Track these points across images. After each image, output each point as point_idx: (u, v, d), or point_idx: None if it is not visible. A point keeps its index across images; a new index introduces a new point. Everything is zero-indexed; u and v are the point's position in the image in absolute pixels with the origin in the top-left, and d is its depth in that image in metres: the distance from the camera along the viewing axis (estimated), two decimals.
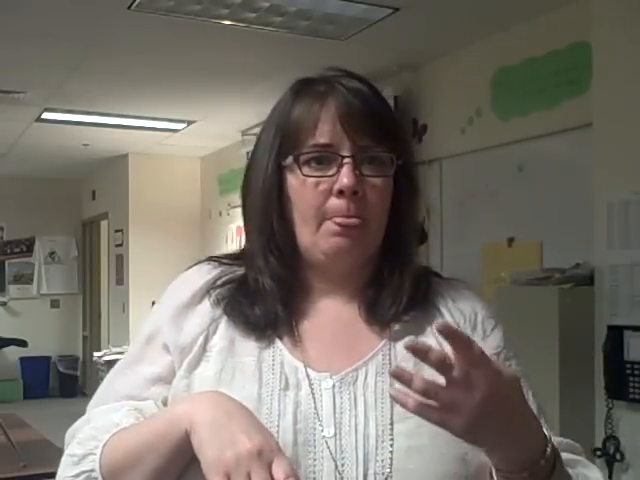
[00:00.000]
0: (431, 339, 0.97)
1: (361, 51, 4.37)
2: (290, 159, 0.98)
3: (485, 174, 4.21)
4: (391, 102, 4.66)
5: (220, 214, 7.49)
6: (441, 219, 4.54)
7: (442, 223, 4.53)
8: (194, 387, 0.96)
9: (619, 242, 3.00)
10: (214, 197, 7.69)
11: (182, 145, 7.34)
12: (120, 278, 8.22)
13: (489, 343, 1.00)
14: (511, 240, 4.00)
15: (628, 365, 2.92)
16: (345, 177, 0.94)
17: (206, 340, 0.98)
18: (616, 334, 2.95)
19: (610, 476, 2.98)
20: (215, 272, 1.03)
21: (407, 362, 0.95)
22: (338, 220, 0.95)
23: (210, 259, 1.07)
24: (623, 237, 2.99)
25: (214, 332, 0.98)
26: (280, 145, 0.99)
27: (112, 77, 4.97)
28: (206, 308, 1.00)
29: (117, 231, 8.31)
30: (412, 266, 1.02)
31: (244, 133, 6.40)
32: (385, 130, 0.98)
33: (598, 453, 2.98)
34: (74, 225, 9.76)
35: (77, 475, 0.92)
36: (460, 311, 1.03)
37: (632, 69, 3.00)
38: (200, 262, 1.07)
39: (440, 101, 4.56)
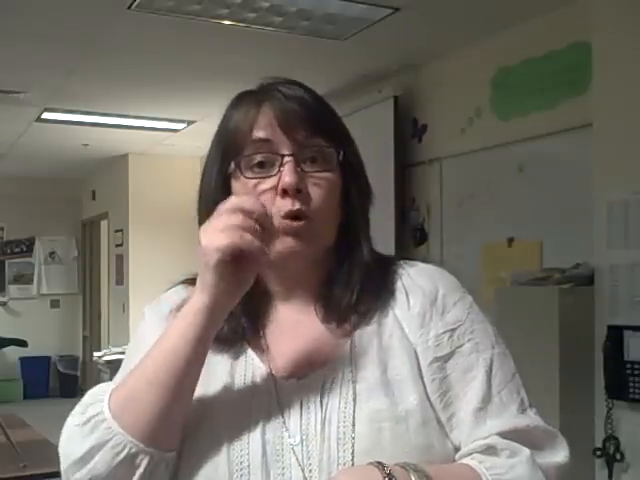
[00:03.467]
0: (391, 321, 0.99)
1: (361, 51, 4.37)
2: (232, 165, 0.99)
3: (485, 174, 4.22)
4: (391, 102, 4.66)
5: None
6: (441, 219, 4.54)
7: (442, 223, 4.53)
8: None
9: (619, 242, 3.00)
10: None
11: (182, 145, 7.34)
12: (120, 278, 8.22)
13: (447, 319, 0.98)
14: (511, 240, 4.00)
15: (628, 365, 2.92)
16: (286, 175, 0.94)
17: None
18: (616, 334, 2.95)
19: (610, 476, 2.98)
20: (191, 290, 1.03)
21: (371, 356, 0.96)
22: (287, 222, 0.95)
23: (185, 281, 1.08)
24: (623, 237, 2.99)
25: None
26: (222, 155, 1.01)
27: (112, 77, 4.97)
28: None
29: (117, 231, 8.31)
30: (362, 259, 1.02)
31: None
32: (324, 127, 0.99)
33: (598, 453, 2.98)
34: (74, 225, 9.76)
35: (86, 421, 0.92)
36: (419, 287, 1.01)
37: (632, 69, 3.00)
38: (177, 284, 1.09)
39: (440, 101, 4.56)
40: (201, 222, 1.03)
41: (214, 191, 1.01)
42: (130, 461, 0.88)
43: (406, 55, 4.49)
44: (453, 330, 0.98)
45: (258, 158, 0.97)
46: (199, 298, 0.90)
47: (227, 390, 0.96)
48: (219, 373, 0.98)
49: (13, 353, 8.66)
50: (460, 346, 0.97)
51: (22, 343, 4.10)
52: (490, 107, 4.17)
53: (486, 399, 0.95)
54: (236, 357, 0.99)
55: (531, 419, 0.95)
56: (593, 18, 3.20)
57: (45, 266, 9.67)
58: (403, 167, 4.70)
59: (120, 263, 8.21)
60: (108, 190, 8.70)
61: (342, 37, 4.14)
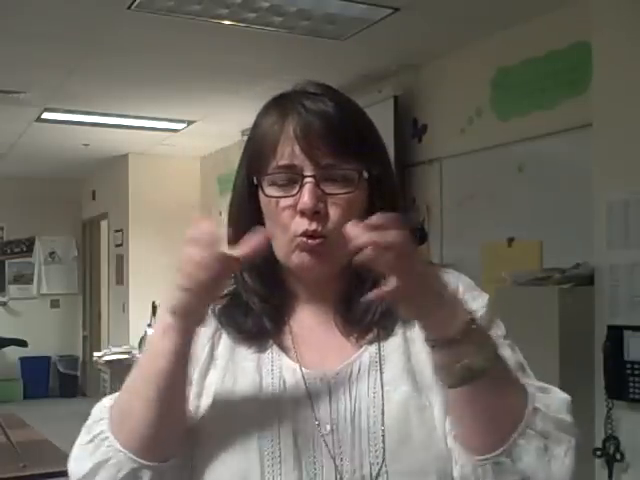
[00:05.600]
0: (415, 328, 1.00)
1: (361, 51, 4.37)
2: (255, 180, 1.01)
3: (485, 174, 4.21)
4: (391, 102, 4.66)
5: (220, 214, 7.48)
6: (441, 219, 4.54)
7: (442, 223, 4.53)
8: (203, 394, 1.00)
9: (619, 242, 3.00)
10: (214, 197, 7.69)
11: (182, 145, 7.34)
12: (120, 278, 8.22)
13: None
14: (511, 240, 4.00)
15: (628, 365, 2.92)
16: (305, 197, 0.96)
17: (212, 349, 1.03)
18: (616, 334, 2.95)
19: (610, 476, 2.98)
20: None
21: (396, 346, 0.99)
22: (303, 239, 0.97)
23: None
24: (623, 237, 2.99)
25: (219, 341, 1.03)
26: (248, 165, 1.04)
27: (112, 77, 4.97)
28: (209, 320, 1.03)
29: (117, 231, 8.31)
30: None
31: (244, 133, 6.39)
32: (348, 147, 0.98)
33: (598, 453, 2.98)
34: (74, 225, 9.76)
35: (90, 440, 0.95)
36: None
37: (632, 69, 3.00)
38: None
39: (440, 101, 4.56)
40: (230, 222, 1.07)
41: (242, 198, 1.05)
42: (132, 476, 0.92)
43: (406, 55, 4.49)
44: None
45: (281, 177, 0.99)
46: (167, 316, 0.91)
47: (255, 383, 0.99)
48: (246, 367, 1.00)
49: (13, 353, 8.65)
50: None
51: (22, 343, 4.09)
52: (490, 107, 4.17)
53: None
54: (262, 352, 1.01)
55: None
56: (593, 18, 3.20)
57: (45, 266, 9.67)
58: (403, 167, 4.69)
59: (120, 263, 8.21)
60: (108, 190, 8.70)
61: (342, 37, 4.14)
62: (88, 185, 9.48)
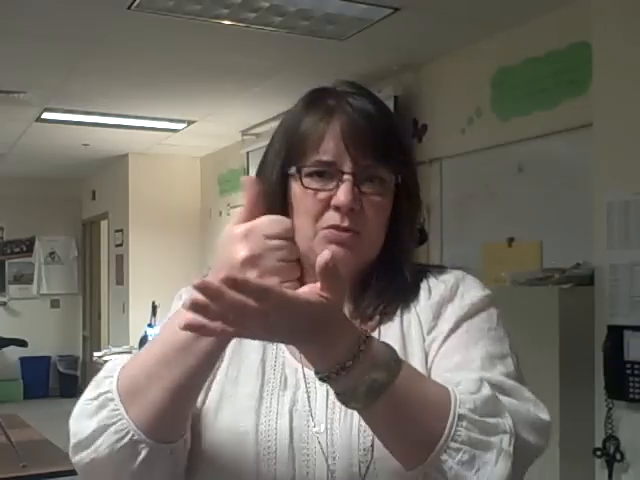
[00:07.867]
0: (412, 315, 1.02)
1: (361, 51, 4.37)
2: (293, 169, 1.01)
3: (485, 174, 4.21)
4: (391, 102, 4.66)
5: (220, 214, 7.49)
6: (441, 219, 4.54)
7: (442, 223, 4.53)
8: (211, 388, 1.00)
9: (619, 242, 3.00)
10: (214, 197, 7.69)
11: (182, 145, 7.34)
12: (120, 278, 8.22)
13: (459, 308, 1.01)
14: (511, 240, 4.00)
15: (628, 365, 2.92)
16: (342, 194, 0.97)
17: None
18: (616, 334, 2.95)
19: (610, 476, 2.98)
20: None
21: (394, 343, 0.98)
22: (333, 232, 0.98)
23: None
24: (623, 237, 2.99)
25: None
26: (286, 154, 1.03)
27: (112, 77, 4.97)
28: None
29: (117, 231, 8.32)
30: (401, 276, 1.04)
31: (244, 133, 6.40)
32: (388, 151, 1.00)
33: (598, 453, 2.98)
34: (74, 225, 9.76)
35: (96, 397, 0.93)
36: (442, 281, 1.05)
37: (632, 69, 3.00)
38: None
39: (440, 101, 4.56)
40: None
41: (273, 186, 1.03)
42: (131, 447, 0.90)
43: (406, 55, 4.49)
44: (461, 314, 1.01)
45: (319, 171, 1.00)
46: None
47: (257, 377, 1.00)
48: (251, 360, 1.01)
49: (13, 353, 8.66)
50: (457, 327, 1.00)
51: (22, 343, 4.10)
52: (490, 107, 4.17)
53: (462, 366, 0.95)
54: (267, 345, 1.02)
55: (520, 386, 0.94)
56: (593, 18, 3.20)
57: (45, 266, 9.67)
58: None
59: (120, 263, 8.21)
60: (108, 190, 8.70)
61: (342, 37, 4.14)
62: (88, 185, 9.49)
